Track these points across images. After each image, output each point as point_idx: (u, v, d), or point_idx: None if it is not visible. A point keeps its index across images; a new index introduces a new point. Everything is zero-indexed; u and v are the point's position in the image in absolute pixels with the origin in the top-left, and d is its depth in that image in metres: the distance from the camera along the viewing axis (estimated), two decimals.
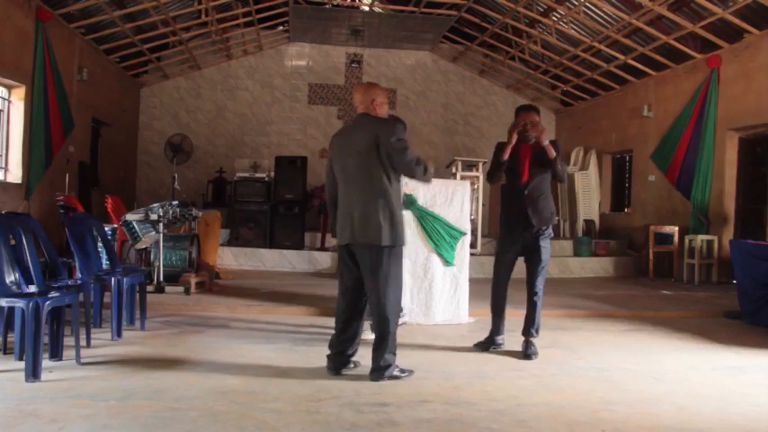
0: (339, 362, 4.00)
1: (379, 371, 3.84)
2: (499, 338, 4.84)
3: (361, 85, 4.26)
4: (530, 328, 4.66)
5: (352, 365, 4.08)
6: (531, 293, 4.66)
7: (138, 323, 5.21)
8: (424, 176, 3.94)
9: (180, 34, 12.18)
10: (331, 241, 9.61)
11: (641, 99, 11.62)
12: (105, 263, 5.75)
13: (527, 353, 4.60)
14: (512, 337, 4.86)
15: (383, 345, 3.85)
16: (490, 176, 4.84)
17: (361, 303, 4.04)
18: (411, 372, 3.98)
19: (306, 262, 9.98)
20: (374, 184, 3.86)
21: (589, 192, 12.55)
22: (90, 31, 10.74)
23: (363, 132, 3.92)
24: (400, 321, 5.27)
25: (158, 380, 3.71)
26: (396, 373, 3.89)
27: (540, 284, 4.64)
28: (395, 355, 3.91)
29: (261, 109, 14.66)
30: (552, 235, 4.75)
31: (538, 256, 4.62)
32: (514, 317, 4.94)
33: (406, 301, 5.79)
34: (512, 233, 4.71)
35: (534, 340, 4.68)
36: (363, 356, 4.04)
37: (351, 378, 3.92)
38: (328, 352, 4.04)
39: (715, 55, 9.63)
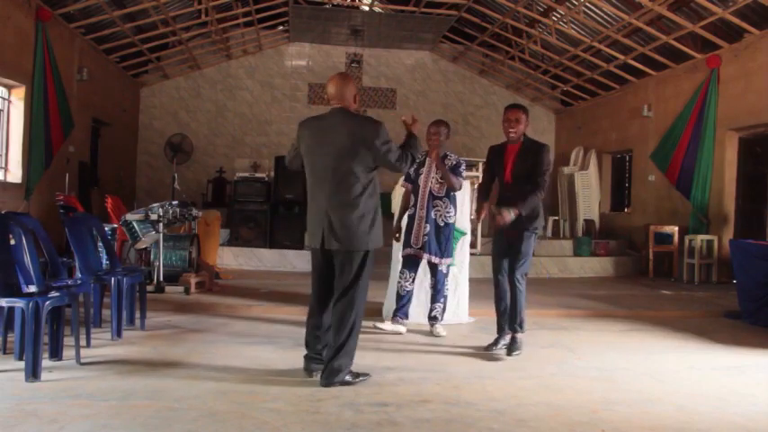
0: (314, 362, 3.85)
1: (331, 375, 3.63)
2: (508, 338, 4.83)
3: (335, 76, 3.85)
4: (513, 323, 4.63)
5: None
6: (512, 287, 4.60)
7: (138, 323, 5.21)
8: (409, 166, 3.84)
9: (180, 34, 12.19)
10: None
11: (641, 99, 11.62)
12: (105, 263, 5.75)
13: (509, 348, 4.59)
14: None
15: (342, 348, 3.64)
16: (481, 192, 4.89)
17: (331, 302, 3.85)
18: (367, 375, 3.80)
19: (306, 262, 9.93)
20: (356, 188, 3.64)
21: (589, 191, 12.55)
22: (90, 31, 10.75)
23: (345, 133, 3.67)
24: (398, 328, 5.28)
25: (158, 380, 3.71)
26: (347, 378, 3.67)
27: (519, 277, 4.57)
28: (352, 359, 3.72)
29: (261, 109, 14.67)
30: (539, 233, 4.73)
31: (518, 247, 4.57)
32: None
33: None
34: (502, 232, 4.69)
35: (519, 336, 4.64)
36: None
37: None
38: (305, 352, 3.88)
39: (715, 55, 9.63)
